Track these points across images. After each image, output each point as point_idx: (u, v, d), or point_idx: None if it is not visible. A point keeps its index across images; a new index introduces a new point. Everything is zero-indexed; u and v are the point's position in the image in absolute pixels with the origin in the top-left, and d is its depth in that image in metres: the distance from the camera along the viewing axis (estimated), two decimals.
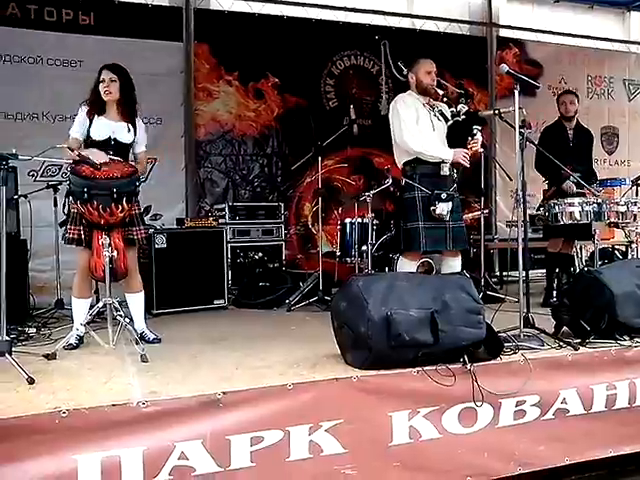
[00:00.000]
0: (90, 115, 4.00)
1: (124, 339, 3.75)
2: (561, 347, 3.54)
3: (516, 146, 3.74)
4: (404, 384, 3.02)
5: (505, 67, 3.77)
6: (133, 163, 4.05)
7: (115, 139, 4.00)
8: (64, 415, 2.48)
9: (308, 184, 7.19)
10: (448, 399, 3.08)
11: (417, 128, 4.37)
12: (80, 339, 3.95)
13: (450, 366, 3.08)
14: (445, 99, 4.47)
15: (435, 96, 4.50)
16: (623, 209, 4.88)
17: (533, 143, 3.96)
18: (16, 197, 5.09)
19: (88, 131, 3.99)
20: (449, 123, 4.50)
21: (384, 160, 6.81)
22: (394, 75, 7.63)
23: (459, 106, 4.35)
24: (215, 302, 5.63)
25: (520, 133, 3.75)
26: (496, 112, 4.06)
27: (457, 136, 4.45)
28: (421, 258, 4.93)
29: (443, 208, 4.30)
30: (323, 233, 6.86)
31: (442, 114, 4.49)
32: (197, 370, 3.24)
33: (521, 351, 3.39)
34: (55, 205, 5.41)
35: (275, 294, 5.82)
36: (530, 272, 7.20)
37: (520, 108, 3.74)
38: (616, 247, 7.61)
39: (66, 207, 3.90)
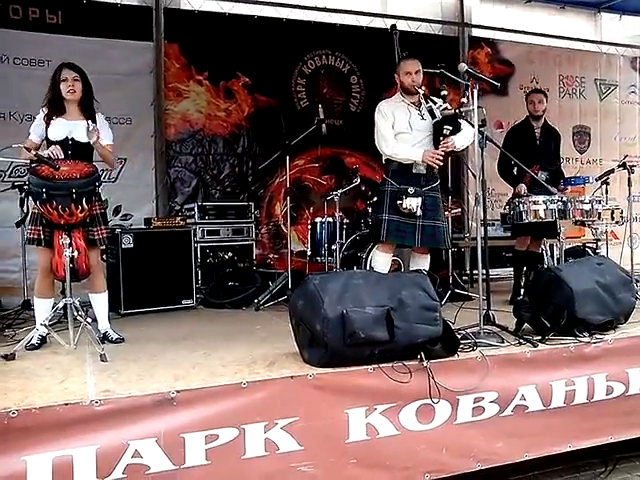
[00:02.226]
0: (48, 119, 3.99)
1: (87, 339, 3.73)
2: (521, 344, 3.56)
3: (475, 145, 3.77)
4: (360, 381, 3.03)
5: (464, 66, 3.79)
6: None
7: (73, 139, 3.97)
8: (13, 415, 2.47)
9: (279, 184, 7.19)
10: (405, 396, 3.09)
11: (392, 133, 4.51)
12: (42, 339, 3.93)
13: (406, 363, 3.09)
14: (442, 94, 4.50)
15: (419, 94, 4.54)
16: (588, 207, 4.93)
17: (493, 142, 3.98)
18: None
19: (46, 133, 3.97)
20: (434, 120, 4.50)
21: (355, 160, 6.86)
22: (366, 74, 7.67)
23: (444, 104, 4.41)
24: (183, 302, 5.62)
25: (480, 132, 3.77)
26: (457, 111, 4.09)
27: (436, 135, 4.50)
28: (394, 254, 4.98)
29: (411, 203, 4.37)
30: (295, 232, 6.89)
31: (431, 111, 4.50)
32: (154, 369, 3.23)
33: (479, 348, 3.41)
34: (21, 205, 5.35)
35: (244, 294, 5.81)
36: (500, 270, 7.38)
37: (479, 107, 3.76)
38: (587, 245, 7.68)
39: (25, 207, 3.88)
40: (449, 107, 4.32)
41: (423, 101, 4.53)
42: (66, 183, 3.63)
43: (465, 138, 4.43)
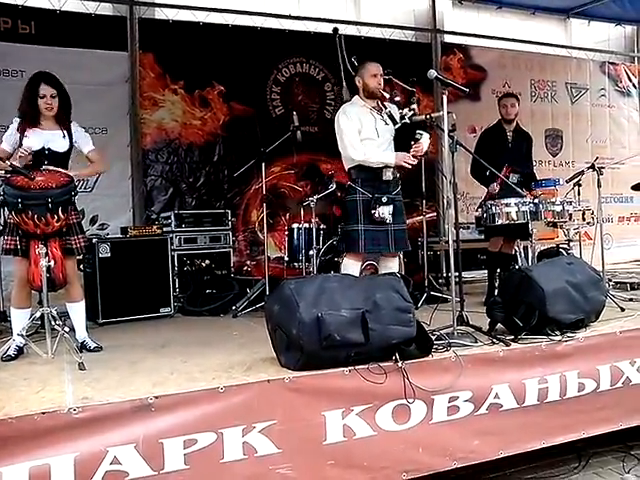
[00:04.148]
0: (22, 130, 4.00)
1: (65, 349, 3.73)
2: (494, 343, 3.61)
3: (445, 150, 3.84)
4: (336, 383, 3.07)
5: (433, 72, 3.85)
6: (69, 172, 4.02)
7: (49, 149, 4.00)
8: None
9: (255, 191, 7.22)
10: (381, 397, 3.13)
11: (358, 138, 4.49)
12: (19, 350, 3.92)
13: (382, 364, 3.13)
14: (396, 99, 4.56)
15: (382, 99, 4.60)
16: (559, 209, 5.02)
17: (464, 147, 4.04)
18: None
19: (21, 143, 3.97)
20: (397, 126, 4.57)
21: (331, 166, 6.87)
22: (344, 76, 7.71)
23: (405, 110, 4.45)
24: (161, 310, 5.63)
25: (450, 137, 3.84)
26: (427, 117, 4.16)
27: (404, 139, 4.55)
28: (365, 260, 5.02)
29: (384, 211, 4.41)
30: (272, 239, 6.93)
31: (391, 116, 4.57)
32: (132, 376, 3.24)
33: (453, 348, 3.46)
34: None
35: (222, 301, 5.84)
36: (475, 272, 7.47)
37: (449, 113, 3.82)
38: (561, 246, 7.79)
39: (1, 218, 3.88)
40: (417, 112, 4.37)
41: (383, 106, 4.59)
42: (42, 193, 3.65)
43: (427, 143, 4.47)
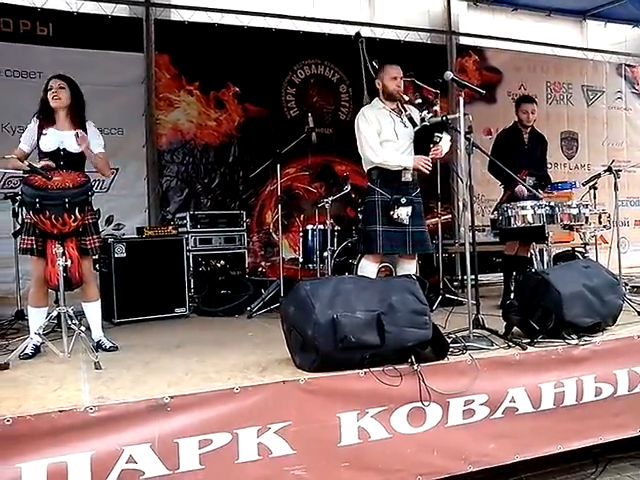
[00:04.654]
0: (40, 129, 4.04)
1: (81, 348, 3.75)
2: (510, 347, 3.59)
3: (462, 151, 3.82)
4: (351, 385, 3.06)
5: (449, 74, 3.84)
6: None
7: (64, 149, 4.02)
8: (8, 423, 2.49)
9: (269, 192, 7.25)
10: (396, 399, 3.12)
11: (377, 141, 4.50)
12: (36, 348, 3.94)
13: (397, 367, 3.12)
14: (416, 102, 4.57)
15: (402, 101, 4.60)
16: (575, 212, 5.00)
17: (480, 149, 4.02)
18: None
19: (38, 144, 4.02)
20: (416, 128, 4.58)
21: (345, 167, 6.90)
22: (365, 81, 7.71)
23: (424, 112, 4.45)
24: (176, 310, 5.65)
25: (466, 139, 3.83)
26: (443, 119, 4.15)
27: (423, 142, 4.54)
28: (382, 261, 5.01)
29: (402, 212, 4.41)
30: (286, 240, 6.93)
31: (411, 119, 4.57)
32: (147, 376, 3.26)
33: (469, 351, 3.44)
34: (14, 216, 5.38)
35: (236, 302, 5.85)
36: (491, 275, 7.44)
37: (466, 114, 3.81)
38: (577, 250, 7.74)
39: (19, 217, 3.92)
40: (436, 114, 4.36)
41: (402, 108, 4.59)
42: (59, 193, 3.68)
43: (447, 145, 4.48)
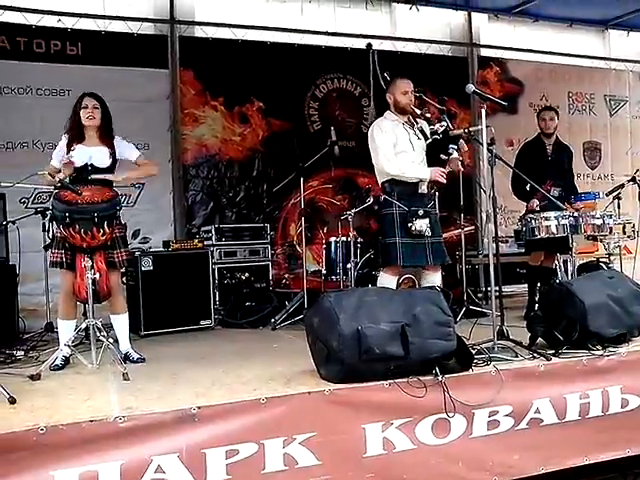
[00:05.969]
0: (69, 146, 4.14)
1: (109, 359, 3.83)
2: (534, 358, 3.59)
3: (484, 163, 3.84)
4: (376, 396, 3.09)
5: (471, 87, 3.87)
6: (118, 176, 4.19)
7: (92, 164, 4.12)
8: (42, 432, 2.56)
9: (293, 205, 7.29)
10: (421, 410, 3.14)
11: (393, 152, 4.51)
12: (66, 360, 4.03)
13: (421, 378, 3.15)
14: (427, 116, 4.59)
15: (414, 115, 4.63)
16: (599, 222, 4.96)
17: (503, 160, 4.04)
18: (4, 223, 5.21)
19: None
20: (428, 141, 4.61)
21: (368, 180, 6.89)
22: (378, 90, 7.77)
23: (437, 125, 4.48)
24: (202, 322, 5.71)
25: (489, 150, 3.85)
26: (465, 131, 4.18)
27: (437, 154, 4.57)
28: (402, 274, 5.03)
29: (421, 224, 4.42)
30: (310, 252, 6.97)
31: (422, 131, 4.62)
32: (175, 387, 3.33)
33: (493, 362, 3.45)
34: (44, 230, 5.49)
35: (261, 313, 5.90)
36: (515, 286, 7.41)
37: (488, 126, 3.83)
38: (601, 260, 7.69)
39: (50, 231, 4.01)
40: (450, 127, 4.38)
41: (415, 121, 4.63)
42: (88, 207, 3.79)
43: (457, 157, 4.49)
